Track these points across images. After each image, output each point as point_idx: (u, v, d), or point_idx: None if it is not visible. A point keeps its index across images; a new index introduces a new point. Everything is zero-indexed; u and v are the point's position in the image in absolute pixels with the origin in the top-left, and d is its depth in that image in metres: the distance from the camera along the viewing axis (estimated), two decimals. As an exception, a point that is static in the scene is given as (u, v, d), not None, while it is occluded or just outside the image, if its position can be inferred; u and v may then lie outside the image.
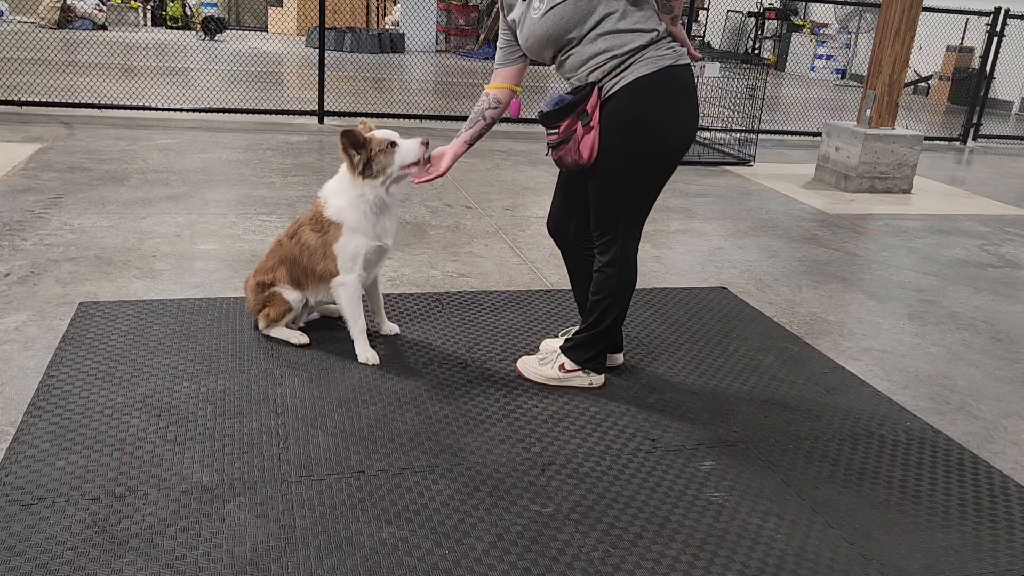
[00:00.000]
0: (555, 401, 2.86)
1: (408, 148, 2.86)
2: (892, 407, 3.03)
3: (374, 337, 3.20)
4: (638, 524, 2.24)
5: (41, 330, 3.11)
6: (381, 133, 2.90)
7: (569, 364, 2.94)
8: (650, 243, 4.82)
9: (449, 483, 2.35)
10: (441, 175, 2.87)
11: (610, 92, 2.60)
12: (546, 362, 2.99)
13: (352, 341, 3.04)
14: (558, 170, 2.92)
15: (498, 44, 2.88)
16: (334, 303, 3.08)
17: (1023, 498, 2.51)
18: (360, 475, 2.35)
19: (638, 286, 4.04)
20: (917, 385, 3.26)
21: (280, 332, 3.14)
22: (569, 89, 2.69)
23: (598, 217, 2.76)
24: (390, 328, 3.29)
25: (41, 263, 3.76)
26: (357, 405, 2.73)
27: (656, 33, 2.57)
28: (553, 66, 2.75)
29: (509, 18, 2.80)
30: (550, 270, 4.20)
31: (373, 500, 2.24)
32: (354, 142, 2.85)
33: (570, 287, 3.17)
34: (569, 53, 2.64)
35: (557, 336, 3.29)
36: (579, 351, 2.93)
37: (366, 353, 3.04)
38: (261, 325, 3.15)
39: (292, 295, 3.07)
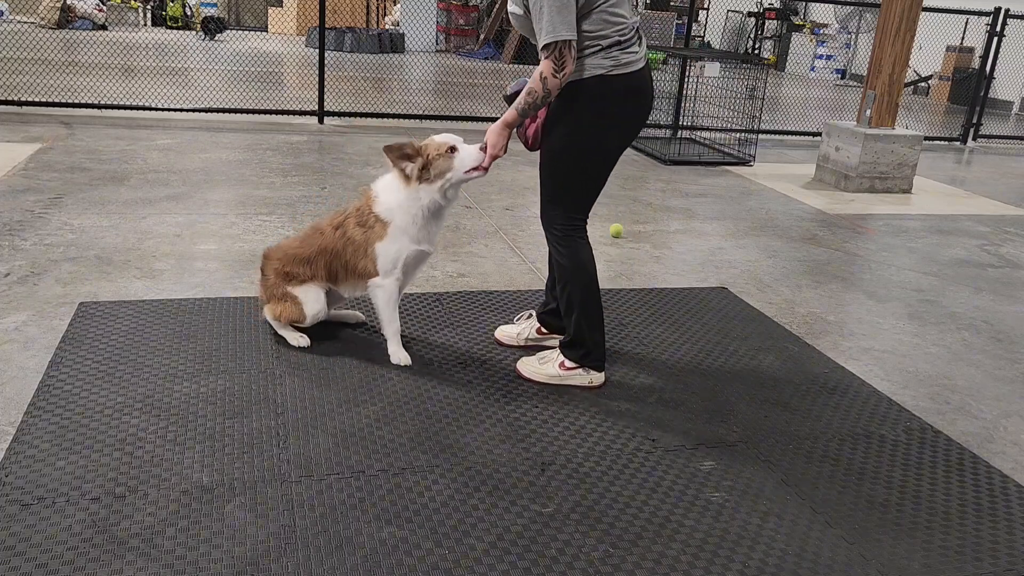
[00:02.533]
0: (555, 401, 2.86)
1: (468, 153, 2.81)
2: (892, 407, 3.03)
3: (376, 335, 3.20)
4: (638, 524, 2.24)
5: (41, 330, 3.11)
6: (441, 137, 2.84)
7: (568, 362, 2.96)
8: (650, 243, 4.82)
9: (449, 483, 2.35)
10: (503, 153, 2.89)
11: None
12: (546, 361, 3.01)
13: (351, 341, 3.04)
14: None
15: None
16: (348, 308, 3.06)
17: (1023, 498, 2.51)
18: (360, 475, 2.35)
19: (638, 286, 4.05)
20: (917, 385, 3.26)
21: (284, 330, 3.11)
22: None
23: (542, 201, 2.94)
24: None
25: (41, 263, 3.76)
26: (357, 405, 2.73)
27: (598, 46, 2.66)
28: None
29: None
30: (550, 270, 4.20)
31: (373, 500, 2.24)
32: (402, 155, 2.80)
33: (548, 275, 3.23)
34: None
35: (513, 322, 3.36)
36: (572, 348, 2.97)
37: (399, 354, 3.02)
38: (267, 314, 3.09)
39: (313, 308, 3.01)
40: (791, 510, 2.35)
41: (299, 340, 3.10)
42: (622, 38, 2.69)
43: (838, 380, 3.21)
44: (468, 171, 2.81)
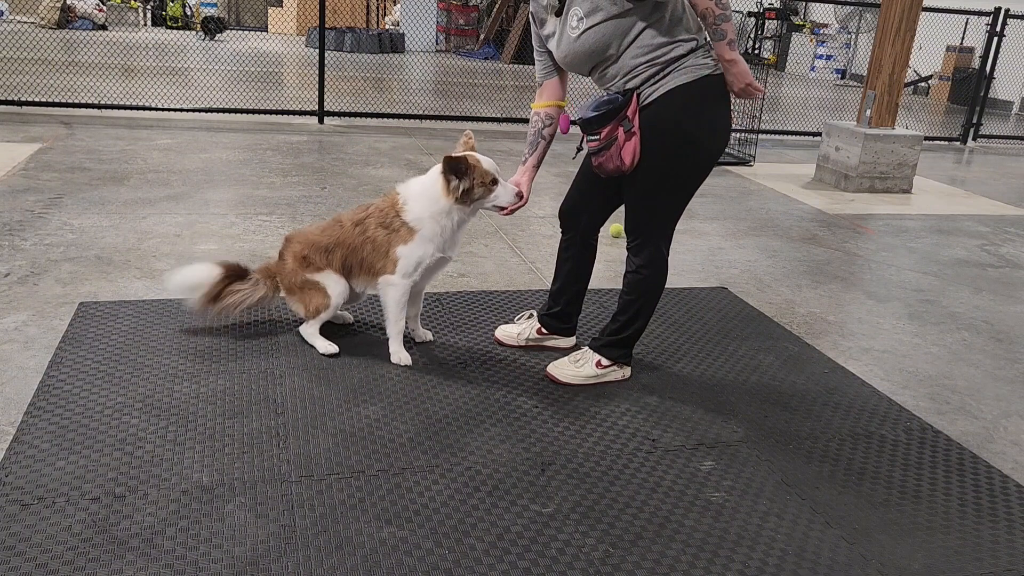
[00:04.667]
0: (555, 401, 2.86)
1: (506, 192, 2.85)
2: (892, 407, 3.03)
3: (376, 335, 3.20)
4: (638, 524, 2.24)
5: (41, 330, 3.11)
6: (487, 164, 2.84)
7: (605, 360, 2.98)
8: (650, 243, 4.82)
9: (449, 483, 2.35)
10: (525, 204, 2.95)
11: (648, 99, 2.64)
12: (582, 363, 3.00)
13: (349, 340, 3.04)
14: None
15: (535, 57, 2.93)
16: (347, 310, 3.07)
17: (1023, 498, 2.51)
18: (360, 475, 2.35)
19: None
20: (917, 385, 3.26)
21: (314, 338, 3.07)
22: (605, 95, 2.69)
23: (634, 219, 2.80)
24: (423, 335, 3.25)
25: (41, 263, 3.76)
26: (357, 405, 2.73)
27: (695, 42, 2.60)
28: (589, 77, 2.78)
29: (543, 33, 2.82)
30: (550, 270, 4.20)
31: (373, 500, 2.24)
32: (456, 170, 2.79)
33: (552, 279, 3.23)
34: (608, 66, 2.67)
35: (514, 322, 3.36)
36: (613, 349, 2.98)
37: (400, 354, 3.03)
38: (290, 302, 3.07)
39: (337, 288, 3.00)
40: (791, 510, 2.35)
41: (328, 347, 3.06)
42: (707, 39, 2.63)
43: (838, 380, 3.21)
44: (497, 206, 2.89)
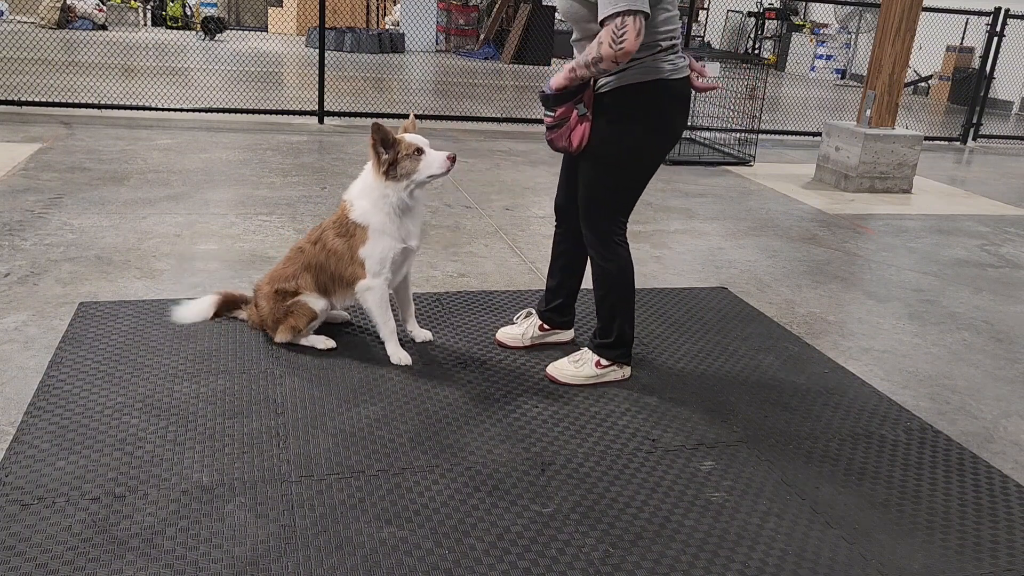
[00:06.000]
0: (555, 401, 2.87)
1: (434, 158, 2.83)
2: (892, 407, 3.03)
3: (373, 333, 3.20)
4: (638, 524, 2.24)
5: (41, 330, 3.11)
6: (411, 137, 2.86)
7: (604, 360, 2.99)
8: (650, 243, 4.82)
9: (449, 483, 2.35)
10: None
11: (602, 89, 2.70)
12: (581, 363, 3.01)
13: (349, 340, 3.04)
14: (559, 168, 2.96)
15: None
16: (343, 310, 3.07)
17: (1023, 498, 2.51)
18: (360, 475, 2.35)
19: (638, 286, 4.04)
20: (917, 385, 3.26)
21: (306, 340, 3.08)
22: None
23: (588, 209, 2.86)
24: (422, 335, 3.25)
25: (41, 263, 3.76)
26: (357, 405, 2.73)
27: (658, 47, 2.62)
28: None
29: None
30: (550, 270, 4.20)
31: (373, 500, 2.24)
32: (384, 139, 2.82)
33: (548, 273, 3.26)
34: (576, 40, 2.75)
35: (514, 322, 3.35)
36: (612, 348, 2.99)
37: (398, 354, 3.03)
38: (282, 338, 3.06)
39: (318, 303, 3.01)
40: (791, 510, 2.35)
41: (326, 343, 3.08)
42: (675, 41, 2.68)
43: (838, 380, 3.21)
44: (431, 176, 2.84)
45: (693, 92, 2.79)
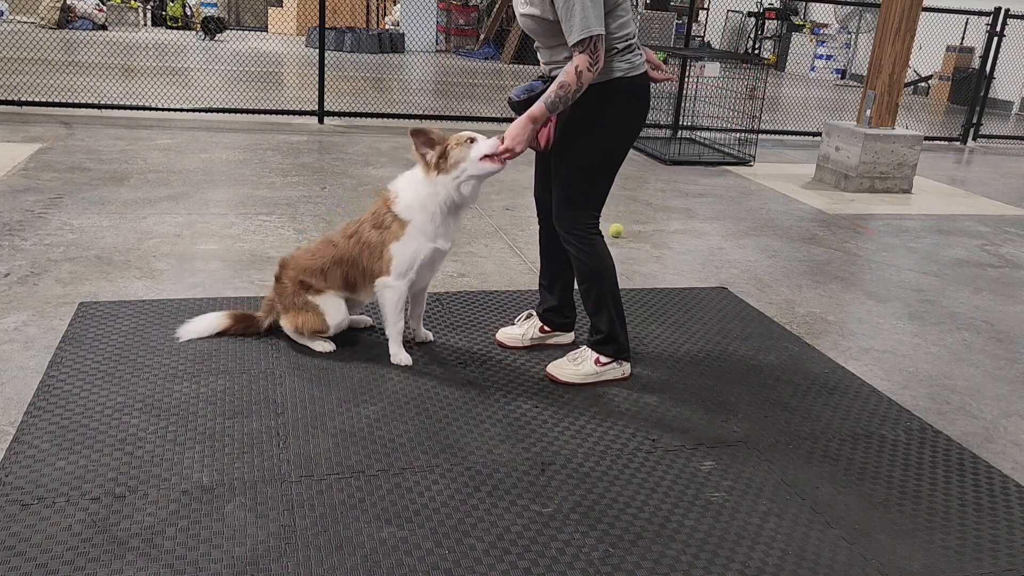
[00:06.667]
0: (555, 401, 2.87)
1: (484, 142, 2.80)
2: (892, 407, 3.03)
3: (376, 335, 3.20)
4: (638, 524, 2.24)
5: (41, 330, 3.11)
6: (464, 132, 2.86)
7: (603, 358, 3.00)
8: (650, 243, 4.82)
9: (449, 483, 2.35)
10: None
11: None
12: (580, 361, 3.01)
13: (351, 341, 3.04)
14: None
15: None
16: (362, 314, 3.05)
17: (1023, 498, 2.51)
18: (360, 475, 2.35)
19: (638, 286, 4.05)
20: (917, 385, 3.26)
21: (305, 340, 3.07)
22: (533, 82, 2.87)
23: (560, 205, 2.93)
24: (424, 335, 3.24)
25: (41, 263, 3.76)
26: (357, 405, 2.73)
27: (615, 50, 2.74)
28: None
29: None
30: (550, 270, 4.20)
31: (373, 500, 2.24)
32: (426, 140, 2.81)
33: (540, 273, 3.30)
34: (540, 49, 2.88)
35: (514, 323, 3.36)
36: (607, 344, 3.00)
37: (400, 355, 3.02)
38: (286, 324, 3.04)
39: (334, 317, 2.99)
40: (791, 510, 2.35)
41: (325, 346, 3.07)
42: (631, 41, 2.78)
43: (838, 380, 3.21)
44: (482, 159, 2.77)
45: (653, 84, 2.93)
